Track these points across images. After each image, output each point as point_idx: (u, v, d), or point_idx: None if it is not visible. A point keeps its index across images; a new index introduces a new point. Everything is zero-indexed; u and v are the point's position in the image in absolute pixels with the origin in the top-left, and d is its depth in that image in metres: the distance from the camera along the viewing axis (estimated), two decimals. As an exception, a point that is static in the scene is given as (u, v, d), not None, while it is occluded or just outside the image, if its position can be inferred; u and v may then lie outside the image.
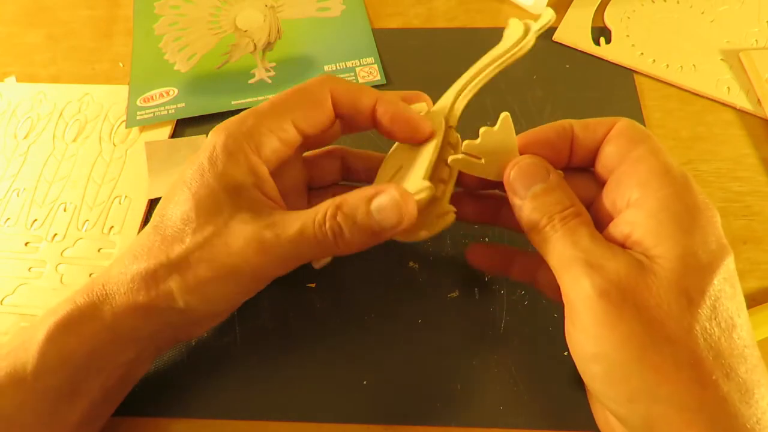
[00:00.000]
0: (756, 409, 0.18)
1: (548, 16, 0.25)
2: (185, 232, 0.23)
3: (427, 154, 0.25)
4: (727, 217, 0.34)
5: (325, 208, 0.23)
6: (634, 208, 0.21)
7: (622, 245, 0.21)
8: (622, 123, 0.23)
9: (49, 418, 0.23)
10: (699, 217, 0.20)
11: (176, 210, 0.23)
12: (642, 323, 0.19)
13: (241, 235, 0.22)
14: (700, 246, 0.19)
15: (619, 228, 0.21)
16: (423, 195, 0.24)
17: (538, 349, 0.29)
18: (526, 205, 0.23)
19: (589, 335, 0.20)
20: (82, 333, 0.23)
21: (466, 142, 0.24)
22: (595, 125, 0.23)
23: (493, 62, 0.27)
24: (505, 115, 0.23)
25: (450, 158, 0.24)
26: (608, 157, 0.23)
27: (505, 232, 0.33)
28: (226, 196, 0.23)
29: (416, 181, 0.24)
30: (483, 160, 0.24)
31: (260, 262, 0.23)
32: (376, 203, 0.22)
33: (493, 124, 0.23)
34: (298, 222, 0.23)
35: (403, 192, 0.23)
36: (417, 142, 0.26)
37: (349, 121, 0.27)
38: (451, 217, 0.25)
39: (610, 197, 0.23)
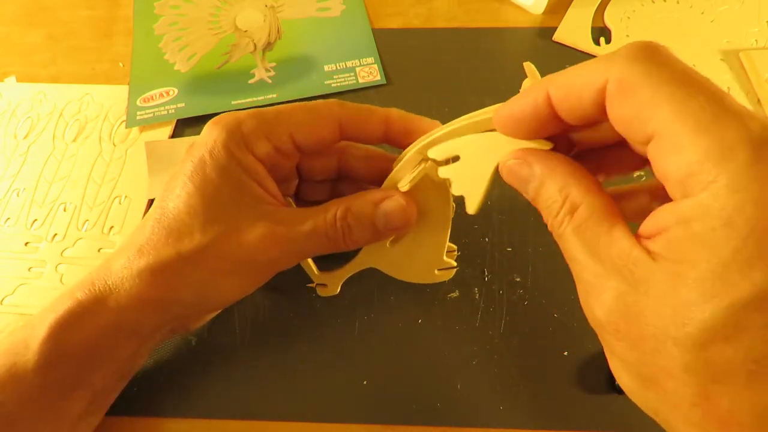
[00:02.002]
0: None
1: None
2: (193, 227, 0.23)
3: (444, 234, 0.27)
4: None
5: (335, 208, 0.24)
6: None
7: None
8: (615, 78, 0.16)
9: (51, 413, 0.23)
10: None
11: (180, 203, 0.23)
12: None
13: (255, 230, 0.23)
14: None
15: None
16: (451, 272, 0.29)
17: (538, 349, 0.29)
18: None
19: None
20: (85, 328, 0.23)
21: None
22: (579, 89, 0.17)
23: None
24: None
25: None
26: (625, 129, 0.17)
27: (506, 236, 0.33)
28: (231, 192, 0.24)
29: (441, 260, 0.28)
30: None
31: (273, 256, 0.24)
32: (383, 207, 0.25)
33: None
34: (309, 219, 0.24)
35: (408, 200, 0.25)
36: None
37: (358, 140, 0.27)
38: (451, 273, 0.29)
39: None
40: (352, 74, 0.41)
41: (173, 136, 0.38)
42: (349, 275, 0.29)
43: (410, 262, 0.28)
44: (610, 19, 0.43)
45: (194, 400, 0.28)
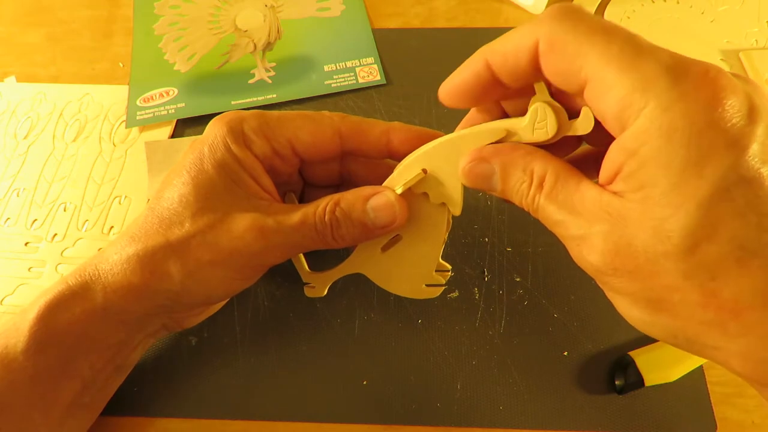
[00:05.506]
0: None
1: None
2: (184, 216, 0.23)
3: (437, 249, 0.26)
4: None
5: (325, 202, 0.24)
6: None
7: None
8: (544, 37, 0.18)
9: (40, 398, 0.23)
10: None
11: (174, 193, 0.24)
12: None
13: (243, 221, 0.23)
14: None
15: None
16: (438, 290, 0.28)
17: (538, 349, 0.29)
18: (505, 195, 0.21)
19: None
20: (72, 312, 0.23)
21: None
22: (515, 52, 0.19)
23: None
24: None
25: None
26: (561, 81, 0.19)
27: (506, 236, 0.33)
28: (225, 184, 0.24)
29: (430, 275, 0.27)
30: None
31: (260, 247, 0.24)
32: (372, 202, 0.24)
33: None
34: (299, 212, 0.24)
35: (397, 196, 0.24)
36: None
37: (359, 153, 0.27)
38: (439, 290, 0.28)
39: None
40: (352, 74, 0.41)
41: (173, 136, 0.38)
42: (338, 278, 0.28)
43: (399, 272, 0.27)
44: (610, 19, 0.43)
45: (194, 400, 0.28)
